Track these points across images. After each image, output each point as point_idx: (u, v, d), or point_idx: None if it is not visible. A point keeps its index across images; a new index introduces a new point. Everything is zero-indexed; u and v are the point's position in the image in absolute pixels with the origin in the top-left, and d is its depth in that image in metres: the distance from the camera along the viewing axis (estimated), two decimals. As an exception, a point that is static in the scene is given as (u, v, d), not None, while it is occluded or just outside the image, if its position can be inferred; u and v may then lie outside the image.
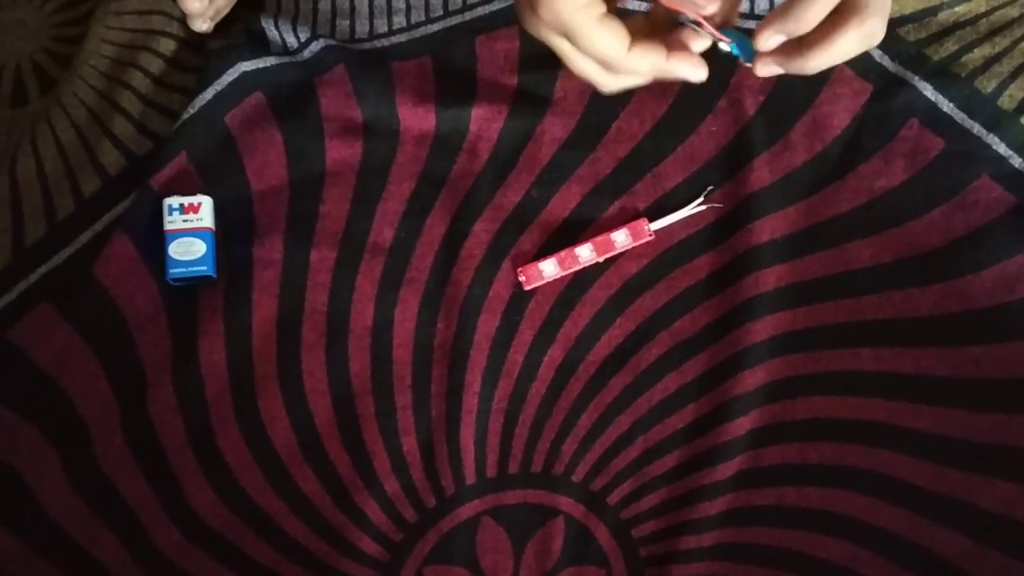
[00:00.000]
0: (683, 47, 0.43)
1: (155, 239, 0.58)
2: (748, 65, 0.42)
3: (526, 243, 0.58)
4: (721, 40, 0.42)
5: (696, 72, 0.43)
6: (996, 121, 0.57)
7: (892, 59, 0.60)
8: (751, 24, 0.61)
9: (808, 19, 0.39)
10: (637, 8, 0.62)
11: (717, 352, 0.56)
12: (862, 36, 0.39)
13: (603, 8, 0.40)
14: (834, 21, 0.39)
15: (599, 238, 0.57)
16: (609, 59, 0.42)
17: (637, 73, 0.43)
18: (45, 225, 0.60)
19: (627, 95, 0.60)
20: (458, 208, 0.59)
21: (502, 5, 0.62)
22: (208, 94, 0.59)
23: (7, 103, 0.65)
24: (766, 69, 0.42)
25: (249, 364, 0.57)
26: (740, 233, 0.57)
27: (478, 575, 0.54)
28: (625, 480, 0.55)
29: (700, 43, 0.43)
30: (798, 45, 0.40)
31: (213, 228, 0.58)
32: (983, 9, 0.61)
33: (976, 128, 0.58)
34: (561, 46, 0.42)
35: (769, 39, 0.40)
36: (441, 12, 0.63)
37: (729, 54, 0.42)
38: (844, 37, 0.39)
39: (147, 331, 0.58)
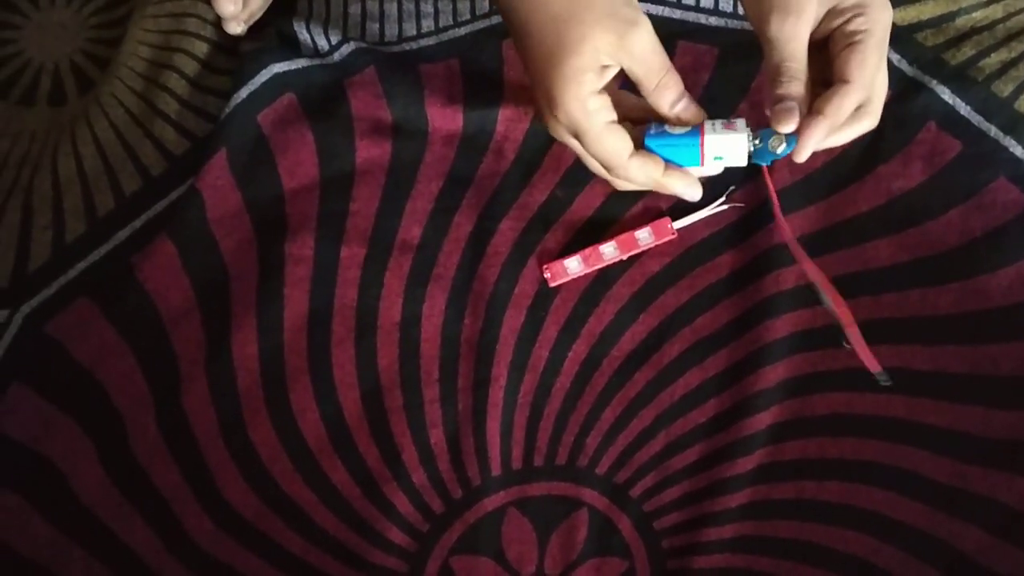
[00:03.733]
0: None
1: (195, 235, 0.59)
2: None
3: (551, 241, 0.60)
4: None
5: (689, 190, 0.49)
6: (1013, 124, 0.58)
7: (910, 63, 0.61)
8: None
9: (843, 118, 0.46)
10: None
11: (738, 348, 0.57)
12: (871, 125, 0.48)
13: (612, 116, 0.46)
14: (854, 115, 0.47)
15: (623, 236, 0.59)
16: (610, 162, 0.47)
17: (634, 180, 0.48)
18: (85, 222, 0.61)
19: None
20: (485, 207, 0.60)
21: (528, 9, 0.64)
22: (243, 93, 0.61)
23: (46, 102, 0.67)
24: (805, 155, 0.47)
25: (280, 358, 0.58)
26: (761, 232, 0.58)
27: (503, 565, 0.55)
28: (648, 473, 0.56)
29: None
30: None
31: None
32: (1000, 15, 0.62)
33: (993, 131, 0.59)
34: (572, 144, 0.48)
35: (817, 138, 0.46)
36: (468, 16, 0.65)
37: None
38: (859, 126, 0.48)
39: (181, 325, 0.59)
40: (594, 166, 0.49)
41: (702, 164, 0.48)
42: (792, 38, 0.45)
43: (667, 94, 0.46)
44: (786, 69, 0.45)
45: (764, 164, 0.48)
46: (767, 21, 0.44)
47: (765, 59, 0.46)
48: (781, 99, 0.46)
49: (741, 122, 0.48)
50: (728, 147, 0.47)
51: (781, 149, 0.47)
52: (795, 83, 0.45)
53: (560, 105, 0.45)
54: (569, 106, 0.45)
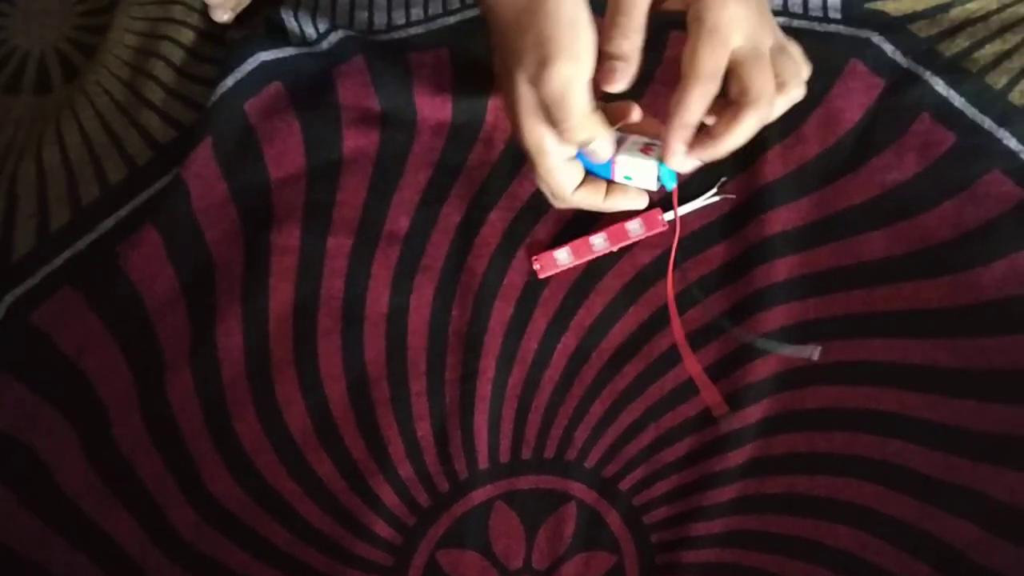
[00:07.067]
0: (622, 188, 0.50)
1: (180, 225, 0.58)
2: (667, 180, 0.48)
3: (541, 232, 0.59)
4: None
5: (633, 203, 0.51)
6: (1007, 116, 0.58)
7: (904, 54, 0.60)
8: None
9: (689, 123, 0.44)
10: None
11: (729, 341, 0.56)
12: (760, 117, 0.44)
13: (567, 154, 0.47)
14: (734, 112, 0.44)
15: (613, 227, 0.58)
16: (556, 192, 0.49)
17: (578, 207, 0.50)
18: (70, 211, 0.61)
19: (642, 87, 0.61)
20: (473, 197, 0.60)
21: (518, -1, 0.63)
22: (229, 81, 0.60)
23: (31, 90, 0.66)
24: (687, 164, 0.45)
25: (266, 349, 0.58)
26: (753, 224, 0.58)
27: (490, 559, 0.55)
28: (637, 467, 0.56)
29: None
30: (708, 137, 0.44)
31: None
32: (994, 6, 0.61)
33: (987, 123, 0.58)
34: (529, 159, 0.48)
35: (680, 158, 0.45)
36: (458, 5, 0.64)
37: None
38: (745, 123, 0.44)
39: (166, 316, 0.58)
40: (542, 185, 0.50)
41: (612, 179, 0.49)
42: None
43: (578, 135, 0.45)
44: (615, 24, 0.42)
45: (673, 185, 0.48)
46: None
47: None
48: (606, 58, 0.43)
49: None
50: (638, 170, 0.47)
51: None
52: (624, 41, 0.43)
53: (520, 134, 0.46)
54: (527, 140, 0.46)
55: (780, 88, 0.45)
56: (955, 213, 0.57)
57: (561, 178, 0.48)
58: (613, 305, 0.58)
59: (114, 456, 0.56)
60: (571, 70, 0.42)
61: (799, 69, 0.46)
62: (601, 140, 0.46)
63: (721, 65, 0.43)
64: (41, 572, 0.54)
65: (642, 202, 0.51)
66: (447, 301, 0.58)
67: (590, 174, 0.50)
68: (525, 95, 0.45)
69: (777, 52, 0.45)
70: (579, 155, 0.48)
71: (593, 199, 0.50)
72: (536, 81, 0.43)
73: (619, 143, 0.48)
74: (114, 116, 0.63)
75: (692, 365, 0.51)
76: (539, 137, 0.46)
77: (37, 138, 0.63)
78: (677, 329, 0.52)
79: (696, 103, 0.43)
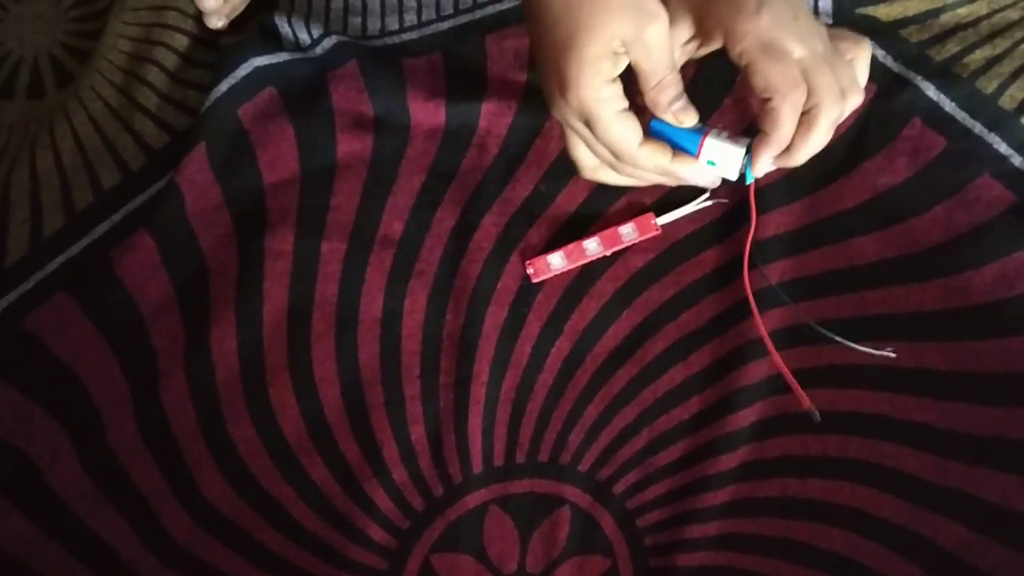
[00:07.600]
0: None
1: (174, 230, 0.58)
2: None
3: (534, 236, 0.59)
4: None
5: (698, 175, 0.49)
6: (997, 121, 0.58)
7: (895, 59, 0.61)
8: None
9: (788, 136, 0.46)
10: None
11: (722, 345, 0.57)
12: (832, 121, 0.46)
13: (624, 104, 0.46)
14: (807, 121, 0.46)
15: (607, 232, 0.58)
16: (619, 150, 0.47)
17: (643, 168, 0.49)
18: (63, 216, 0.61)
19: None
20: (467, 202, 0.60)
21: (512, 4, 0.64)
22: (223, 86, 0.60)
23: (25, 95, 0.67)
24: (766, 170, 0.49)
25: (260, 353, 0.58)
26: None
27: (484, 563, 0.55)
28: (631, 470, 0.56)
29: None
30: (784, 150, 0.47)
31: None
32: (984, 11, 0.62)
33: (977, 127, 0.58)
34: (581, 131, 0.48)
35: (766, 167, 0.48)
36: (451, 11, 0.64)
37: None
38: (819, 131, 0.46)
39: (160, 320, 0.58)
40: (601, 153, 0.49)
41: (697, 158, 0.49)
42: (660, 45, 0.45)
43: (668, 91, 0.46)
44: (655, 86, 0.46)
45: (749, 182, 0.50)
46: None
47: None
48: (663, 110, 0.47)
49: (746, 140, 0.48)
50: (724, 156, 0.48)
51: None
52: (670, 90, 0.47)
53: (573, 90, 0.45)
54: (582, 92, 0.45)
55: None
56: (946, 217, 0.57)
57: (622, 131, 0.46)
58: (607, 309, 0.58)
59: (108, 461, 0.56)
60: (666, 29, 0.44)
61: (854, 75, 0.47)
62: (685, 100, 0.47)
63: (794, 72, 0.44)
64: (35, 577, 0.54)
65: (714, 181, 0.50)
66: (441, 305, 0.58)
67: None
68: (597, 55, 0.44)
69: (832, 57, 0.46)
70: (664, 129, 0.48)
71: (660, 158, 0.48)
72: (636, 40, 0.44)
73: (703, 132, 0.48)
74: (108, 121, 0.63)
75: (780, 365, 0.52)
76: (597, 87, 0.45)
77: (31, 143, 0.63)
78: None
79: (789, 119, 0.45)
